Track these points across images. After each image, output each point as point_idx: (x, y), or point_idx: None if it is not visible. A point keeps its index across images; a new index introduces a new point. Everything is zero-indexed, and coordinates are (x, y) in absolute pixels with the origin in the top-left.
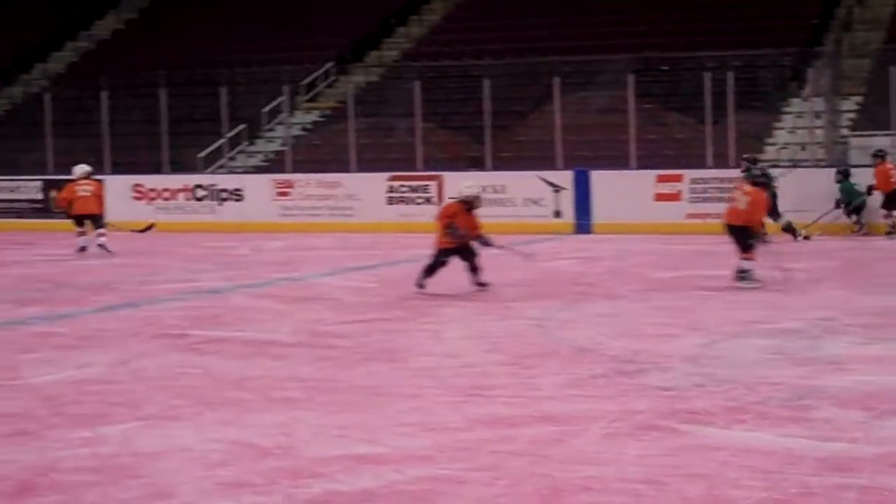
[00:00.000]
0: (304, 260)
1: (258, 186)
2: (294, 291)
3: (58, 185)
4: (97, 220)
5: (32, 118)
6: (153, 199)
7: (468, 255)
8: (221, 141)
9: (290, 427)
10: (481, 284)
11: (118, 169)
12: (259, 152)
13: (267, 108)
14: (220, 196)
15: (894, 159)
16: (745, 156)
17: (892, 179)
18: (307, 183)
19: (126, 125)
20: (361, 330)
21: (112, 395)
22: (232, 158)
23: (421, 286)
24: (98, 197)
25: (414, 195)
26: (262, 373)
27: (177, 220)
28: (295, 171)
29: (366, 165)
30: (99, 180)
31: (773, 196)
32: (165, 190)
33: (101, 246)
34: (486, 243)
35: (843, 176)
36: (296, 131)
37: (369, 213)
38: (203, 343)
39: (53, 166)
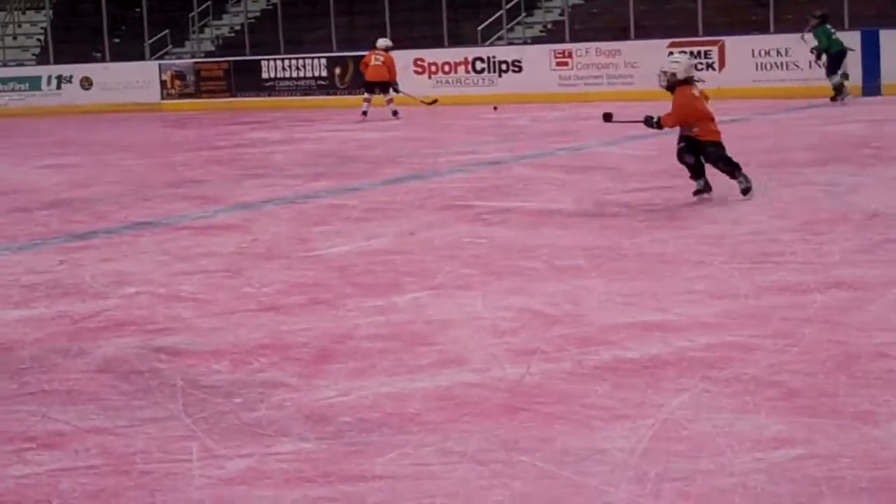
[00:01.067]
0: (584, 130)
1: (537, 57)
2: (575, 161)
3: (342, 61)
4: (386, 88)
5: None
6: (433, 73)
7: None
8: (500, 13)
9: (576, 295)
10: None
11: (399, 44)
12: (537, 23)
13: None
14: (500, 68)
15: None
16: (817, 13)
17: None
18: (586, 52)
19: (406, 1)
20: (644, 198)
21: (402, 264)
22: (510, 30)
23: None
24: (388, 68)
25: (693, 62)
26: (547, 242)
27: (457, 93)
28: (573, 40)
29: (645, 32)
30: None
31: (841, 53)
32: (445, 63)
33: (393, 113)
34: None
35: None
36: (576, 0)
37: (649, 80)
38: (488, 213)
39: (336, 43)
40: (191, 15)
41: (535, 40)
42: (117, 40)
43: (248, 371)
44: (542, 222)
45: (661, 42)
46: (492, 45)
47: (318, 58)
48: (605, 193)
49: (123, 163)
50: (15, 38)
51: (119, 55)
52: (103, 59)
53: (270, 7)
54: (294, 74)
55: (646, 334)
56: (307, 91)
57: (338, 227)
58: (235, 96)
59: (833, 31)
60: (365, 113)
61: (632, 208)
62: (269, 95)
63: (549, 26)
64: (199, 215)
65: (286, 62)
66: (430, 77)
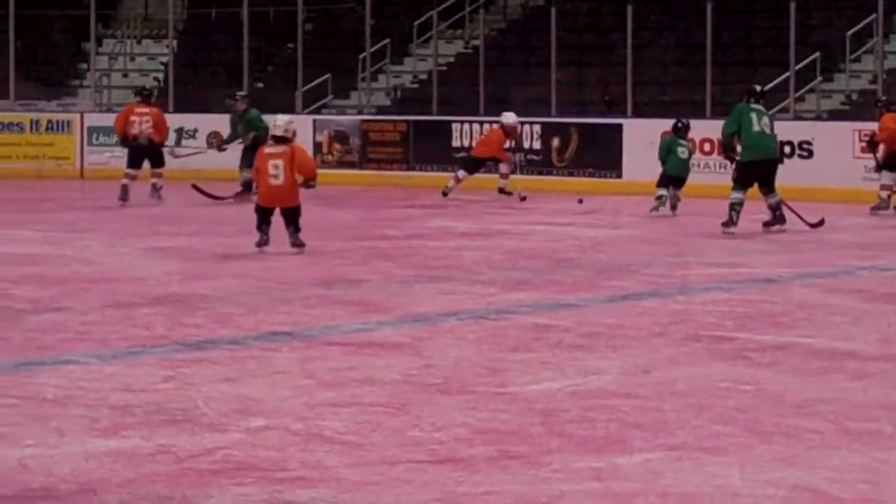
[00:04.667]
0: None
1: (834, 138)
2: (882, 285)
3: (563, 130)
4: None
5: (530, 40)
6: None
7: None
8: (786, 75)
9: (875, 472)
10: None
11: (642, 111)
12: (838, 91)
13: (852, 31)
14: (782, 151)
15: None
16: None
17: None
18: None
19: (655, 51)
20: None
21: (631, 413)
22: (800, 99)
23: None
24: (495, 143)
25: None
26: (836, 395)
27: (719, 181)
28: None
29: None
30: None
31: None
32: (706, 141)
33: (500, 190)
34: None
35: None
36: (892, 62)
37: None
38: (754, 350)
39: (556, 105)
40: (361, 56)
41: (834, 115)
42: (261, 84)
43: None
44: (830, 367)
45: None
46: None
47: (531, 123)
48: None
49: (256, 250)
50: (126, 75)
51: (261, 104)
52: None
53: (469, 50)
54: None
55: None
56: (513, 168)
57: (543, 357)
58: (414, 169)
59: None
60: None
61: None
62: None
63: (855, 97)
64: (355, 328)
65: (486, 127)
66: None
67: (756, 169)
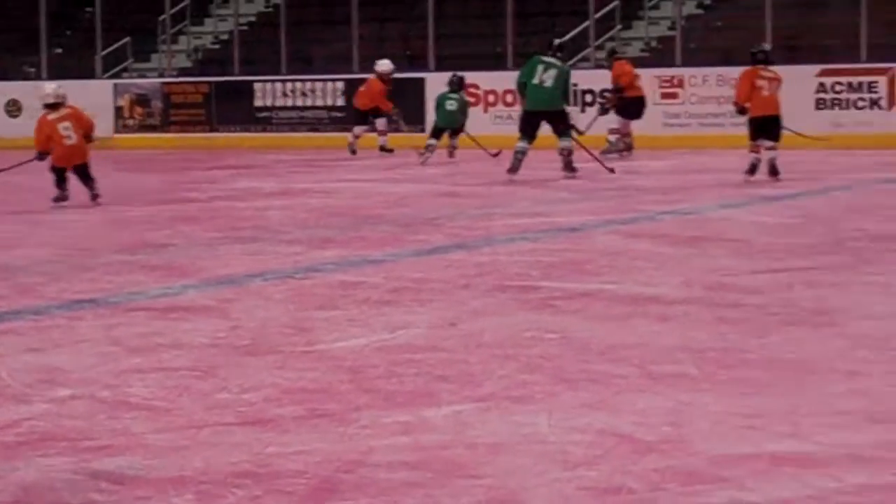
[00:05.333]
0: (699, 186)
1: None
2: (683, 230)
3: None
4: (378, 116)
5: None
6: (491, 104)
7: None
8: (585, 24)
9: (679, 414)
10: None
11: (445, 64)
12: (637, 39)
13: None
14: (583, 100)
15: None
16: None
17: None
18: (703, 80)
19: (457, 4)
20: (778, 282)
21: (438, 366)
22: (600, 48)
23: None
24: (376, 92)
25: (853, 96)
26: (640, 339)
27: None
28: (686, 63)
29: (787, 55)
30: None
31: None
32: (508, 92)
33: (381, 148)
34: None
35: None
36: (690, 9)
37: (790, 120)
38: (560, 299)
39: (359, 61)
40: (161, 18)
41: (634, 63)
42: (59, 50)
43: None
44: (634, 312)
45: (808, 68)
46: (573, 67)
47: (333, 80)
48: (725, 274)
49: (58, 218)
50: None
51: (60, 70)
52: (38, 76)
53: (270, 9)
54: (299, 102)
55: (774, 470)
56: (315, 126)
57: (351, 313)
58: (217, 130)
59: None
60: (353, 150)
61: (760, 295)
62: (264, 130)
63: (654, 44)
64: (160, 292)
65: (288, 86)
66: (486, 110)
67: (532, 118)
